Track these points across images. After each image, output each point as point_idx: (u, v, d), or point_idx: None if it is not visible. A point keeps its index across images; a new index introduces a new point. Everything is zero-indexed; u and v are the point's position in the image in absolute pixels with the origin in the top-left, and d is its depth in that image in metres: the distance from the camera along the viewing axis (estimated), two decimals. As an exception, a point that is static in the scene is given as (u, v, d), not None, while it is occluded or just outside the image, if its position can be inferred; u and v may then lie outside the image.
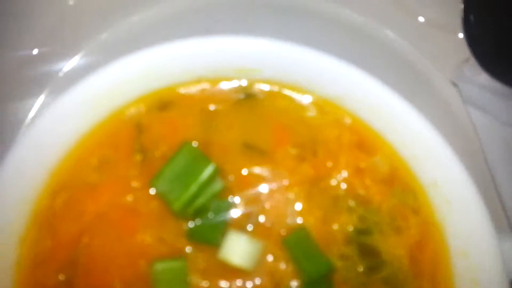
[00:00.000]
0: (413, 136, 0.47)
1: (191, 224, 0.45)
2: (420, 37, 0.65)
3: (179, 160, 0.46)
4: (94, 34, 0.60)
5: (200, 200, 0.45)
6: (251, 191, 0.47)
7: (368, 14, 0.64)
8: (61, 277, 0.44)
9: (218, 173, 0.45)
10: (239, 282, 0.44)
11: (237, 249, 0.43)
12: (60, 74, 0.59)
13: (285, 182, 0.46)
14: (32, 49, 0.58)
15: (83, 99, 0.47)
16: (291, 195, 0.47)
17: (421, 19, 0.65)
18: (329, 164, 0.48)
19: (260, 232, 0.45)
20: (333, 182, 0.47)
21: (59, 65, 0.59)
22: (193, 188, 0.44)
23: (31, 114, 0.51)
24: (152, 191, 0.46)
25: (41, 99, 0.52)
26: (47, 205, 0.46)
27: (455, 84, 0.65)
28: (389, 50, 0.63)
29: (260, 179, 0.47)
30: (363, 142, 0.48)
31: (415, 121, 0.46)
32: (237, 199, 0.46)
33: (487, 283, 0.43)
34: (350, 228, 0.46)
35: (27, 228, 0.45)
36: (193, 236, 0.44)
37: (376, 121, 0.47)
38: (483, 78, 0.65)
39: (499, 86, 0.65)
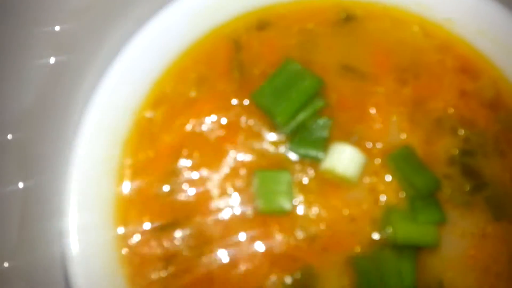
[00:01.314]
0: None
1: (292, 139, 0.46)
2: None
3: (282, 74, 0.45)
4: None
5: (302, 116, 0.45)
6: (351, 112, 0.47)
7: None
8: (161, 187, 0.45)
9: (321, 88, 0.46)
10: (339, 197, 0.45)
11: (342, 158, 0.42)
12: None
13: (387, 104, 0.47)
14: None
15: (184, 15, 0.47)
16: (393, 117, 0.46)
17: None
18: (433, 87, 0.47)
19: (361, 149, 0.45)
20: (436, 105, 0.46)
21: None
22: (298, 100, 0.44)
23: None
24: (252, 106, 0.46)
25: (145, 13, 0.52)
26: (148, 116, 0.47)
27: None
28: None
29: (360, 100, 0.47)
30: (468, 65, 0.47)
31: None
32: (337, 118, 0.46)
33: None
34: (454, 150, 0.45)
35: (129, 133, 0.45)
36: (294, 150, 0.44)
37: (483, 44, 0.46)
38: None
39: None
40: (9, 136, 0.49)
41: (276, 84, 0.45)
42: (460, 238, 0.44)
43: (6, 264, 0.47)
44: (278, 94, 0.45)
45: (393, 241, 0.42)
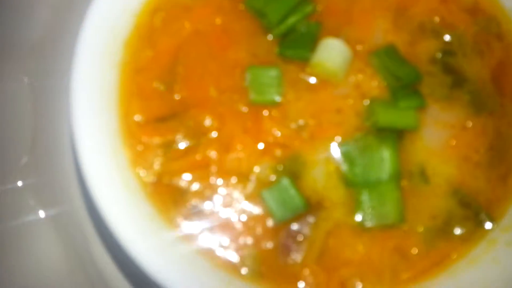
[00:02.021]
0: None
1: (282, 40, 0.48)
2: None
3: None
4: None
5: (292, 19, 0.48)
6: (339, 16, 0.49)
7: None
8: (161, 83, 0.47)
9: None
10: (327, 92, 0.47)
11: (330, 52, 0.45)
12: None
13: (373, 9, 0.49)
14: None
15: None
16: (378, 21, 0.49)
17: None
18: None
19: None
20: (419, 10, 0.48)
21: None
22: (288, 2, 0.47)
23: None
24: (246, 10, 0.49)
25: None
26: (147, 20, 0.49)
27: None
28: None
29: (347, 6, 0.48)
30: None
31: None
32: (326, 22, 0.48)
33: None
34: (435, 50, 0.47)
35: (130, 35, 0.47)
36: (284, 51, 0.46)
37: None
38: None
39: None
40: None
41: (268, -12, 0.49)
42: (441, 129, 0.46)
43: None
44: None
45: (376, 126, 0.44)
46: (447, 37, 0.48)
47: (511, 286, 0.38)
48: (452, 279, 0.40)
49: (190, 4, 0.49)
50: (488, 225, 0.43)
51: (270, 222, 0.44)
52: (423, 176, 0.45)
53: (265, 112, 0.46)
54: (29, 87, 0.53)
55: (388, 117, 0.44)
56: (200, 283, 0.41)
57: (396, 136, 0.44)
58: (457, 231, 0.44)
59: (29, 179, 0.47)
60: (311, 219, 0.44)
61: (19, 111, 0.53)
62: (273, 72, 0.46)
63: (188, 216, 0.44)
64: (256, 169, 0.45)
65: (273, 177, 0.44)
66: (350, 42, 0.48)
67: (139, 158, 0.45)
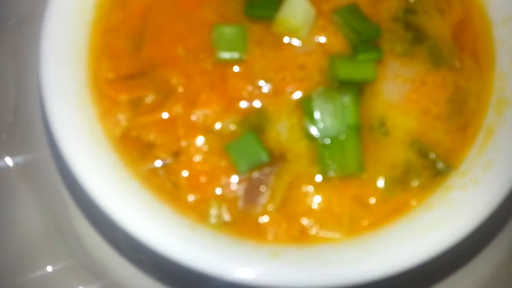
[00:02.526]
0: None
1: (248, 0, 0.49)
2: None
3: None
4: None
5: (258, -19, 0.50)
6: None
7: None
8: (130, 42, 0.49)
9: None
10: (291, 49, 0.48)
11: (294, 10, 0.46)
12: None
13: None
14: None
15: None
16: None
17: None
18: None
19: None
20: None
21: None
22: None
23: None
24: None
25: None
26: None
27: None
28: None
29: None
30: None
31: None
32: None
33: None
34: (397, 9, 0.48)
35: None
36: (250, 11, 0.48)
37: None
38: None
39: None
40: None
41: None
42: (401, 84, 0.47)
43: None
44: None
45: (336, 78, 0.45)
46: (408, -4, 0.50)
47: (464, 224, 0.39)
48: (409, 223, 0.41)
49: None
50: (445, 173, 0.44)
51: (234, 174, 0.45)
52: (383, 128, 0.46)
53: (231, 69, 0.47)
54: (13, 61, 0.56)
55: (347, 69, 0.45)
56: (165, 228, 0.42)
57: (356, 90, 0.45)
58: (416, 180, 0.45)
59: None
60: (274, 170, 0.46)
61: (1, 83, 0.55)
62: (238, 30, 0.47)
63: (154, 169, 0.46)
64: (222, 123, 0.46)
65: (238, 131, 0.46)
66: (315, 1, 0.49)
67: (106, 113, 0.46)
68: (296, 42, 0.48)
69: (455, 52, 0.47)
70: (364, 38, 0.46)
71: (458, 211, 0.40)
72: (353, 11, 0.47)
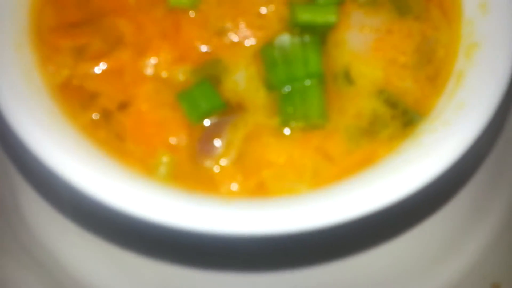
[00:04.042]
0: None
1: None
2: None
3: None
4: None
5: None
6: None
7: None
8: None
9: None
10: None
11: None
12: None
13: None
14: None
15: None
16: None
17: None
18: None
19: None
20: None
21: None
22: None
23: None
24: None
25: None
26: None
27: None
28: None
29: None
30: None
31: None
32: None
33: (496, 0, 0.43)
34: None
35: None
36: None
37: None
38: None
39: None
40: None
41: None
42: (366, 34, 0.43)
43: None
44: None
45: (295, 23, 0.42)
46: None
47: (434, 164, 0.35)
48: (375, 170, 0.37)
49: None
50: (415, 122, 0.41)
51: (186, 124, 0.41)
52: (347, 77, 0.42)
53: (185, 17, 0.43)
54: None
55: (307, 13, 0.41)
56: (109, 179, 0.37)
57: (318, 38, 0.42)
58: (384, 130, 0.41)
59: None
60: (230, 121, 0.41)
61: None
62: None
63: (97, 119, 0.41)
64: (174, 73, 0.42)
65: (191, 81, 0.42)
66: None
67: (47, 59, 0.41)
68: (252, -5, 0.46)
69: (421, 2, 0.45)
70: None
71: (428, 152, 0.36)
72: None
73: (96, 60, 0.42)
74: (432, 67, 0.43)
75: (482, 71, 0.38)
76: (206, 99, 0.40)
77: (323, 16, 0.42)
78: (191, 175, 0.39)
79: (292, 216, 0.34)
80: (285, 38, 0.42)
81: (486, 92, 0.38)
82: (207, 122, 0.40)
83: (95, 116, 0.40)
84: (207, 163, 0.39)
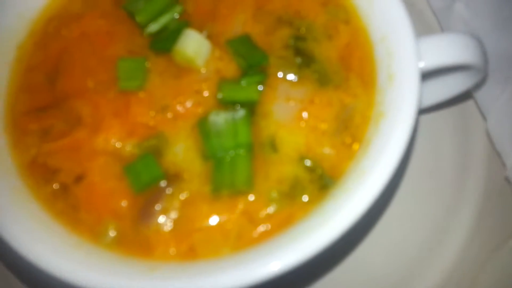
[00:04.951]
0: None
1: (154, 37, 0.52)
2: None
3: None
4: None
5: (162, 19, 0.52)
6: (206, 15, 0.53)
7: None
8: (47, 77, 0.51)
9: None
10: (189, 78, 0.50)
11: (187, 42, 0.49)
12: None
13: (235, 6, 0.53)
14: None
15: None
16: (239, 16, 0.52)
17: None
18: None
19: (209, 40, 0.50)
20: (276, 6, 0.52)
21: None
22: (157, 4, 0.51)
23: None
24: (124, 13, 0.53)
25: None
26: (41, 27, 0.54)
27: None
28: None
29: (213, 5, 0.53)
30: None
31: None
32: (194, 20, 0.52)
33: (401, 73, 0.46)
34: (289, 38, 0.50)
35: (24, 39, 0.53)
36: (154, 45, 0.51)
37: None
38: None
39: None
40: None
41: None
42: (291, 105, 0.48)
43: None
44: (140, 2, 0.52)
45: (223, 101, 0.47)
46: (299, 26, 0.51)
47: (332, 229, 0.39)
48: (291, 234, 0.41)
49: (80, 11, 0.55)
50: (329, 186, 0.44)
51: (130, 194, 0.47)
52: (273, 146, 0.47)
53: (135, 98, 0.49)
54: None
55: (232, 92, 0.47)
56: (51, 248, 0.42)
57: (248, 111, 0.47)
58: (302, 194, 0.45)
59: None
60: (169, 190, 0.47)
61: None
62: (139, 62, 0.50)
63: (55, 192, 0.47)
64: (122, 147, 0.48)
65: (137, 154, 0.48)
66: (213, 35, 0.51)
67: (17, 142, 0.48)
68: (194, 70, 0.50)
69: (341, 73, 0.49)
70: (252, 64, 0.48)
71: (329, 220, 0.40)
72: (244, 41, 0.50)
73: (58, 139, 0.48)
74: (349, 134, 0.47)
75: (384, 141, 0.42)
76: (148, 171, 0.46)
77: (246, 94, 0.47)
78: (132, 240, 0.44)
79: (205, 280, 0.39)
80: (217, 113, 0.47)
81: (384, 163, 0.41)
82: (148, 192, 0.46)
83: (55, 189, 0.47)
84: (147, 229, 0.45)
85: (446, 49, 0.45)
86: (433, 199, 0.58)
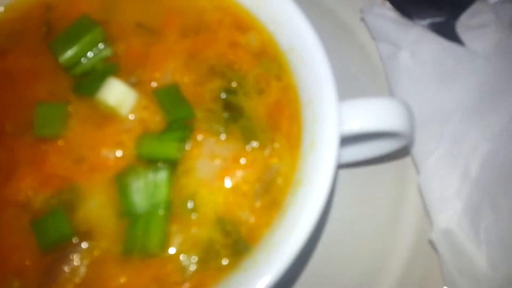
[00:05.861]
0: (281, 16, 0.51)
1: (79, 79, 0.49)
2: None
3: (74, 27, 0.51)
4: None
5: (88, 61, 0.50)
6: (136, 59, 0.50)
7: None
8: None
9: (104, 36, 0.49)
10: (112, 127, 0.48)
11: (110, 91, 0.46)
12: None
13: (167, 53, 0.51)
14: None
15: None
16: (170, 63, 0.50)
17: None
18: (209, 40, 0.51)
19: (137, 87, 0.48)
20: (210, 54, 0.50)
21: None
22: (81, 47, 0.49)
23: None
24: (51, 53, 0.51)
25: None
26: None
27: (362, 19, 0.70)
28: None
29: (145, 51, 0.51)
30: (240, 22, 0.52)
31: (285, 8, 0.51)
32: (123, 64, 0.50)
33: (321, 142, 0.45)
34: (219, 89, 0.48)
35: None
36: (78, 89, 0.48)
37: (253, 4, 0.52)
38: (388, 12, 0.70)
39: (399, 17, 0.69)
40: None
41: (67, 34, 0.50)
42: (215, 162, 0.46)
43: None
44: (66, 41, 0.50)
45: (141, 157, 0.45)
46: (231, 78, 0.49)
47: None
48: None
49: (6, 46, 0.51)
50: (243, 253, 0.43)
51: (37, 251, 0.44)
52: (192, 205, 0.45)
53: (53, 145, 0.47)
54: None
55: (151, 148, 0.45)
56: None
57: (169, 168, 0.45)
58: (215, 259, 0.43)
59: None
60: (77, 249, 0.44)
61: None
62: (58, 108, 0.47)
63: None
64: (33, 199, 0.45)
65: (48, 207, 0.45)
66: (142, 82, 0.49)
67: None
68: (118, 120, 0.48)
69: (268, 132, 0.47)
70: (176, 118, 0.46)
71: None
72: (172, 92, 0.47)
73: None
74: (270, 197, 0.45)
75: (298, 212, 0.40)
76: (57, 228, 0.43)
77: (165, 152, 0.44)
78: (36, 302, 0.42)
79: None
80: (136, 169, 0.45)
81: (294, 237, 0.39)
82: (56, 250, 0.43)
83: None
84: (52, 290, 0.43)
85: (371, 115, 0.44)
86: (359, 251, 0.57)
